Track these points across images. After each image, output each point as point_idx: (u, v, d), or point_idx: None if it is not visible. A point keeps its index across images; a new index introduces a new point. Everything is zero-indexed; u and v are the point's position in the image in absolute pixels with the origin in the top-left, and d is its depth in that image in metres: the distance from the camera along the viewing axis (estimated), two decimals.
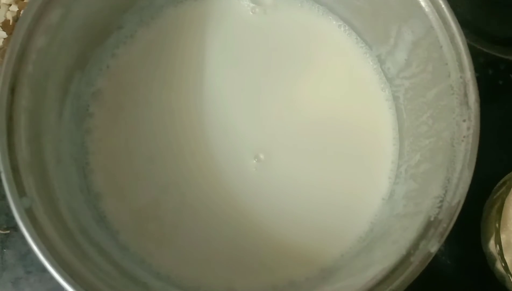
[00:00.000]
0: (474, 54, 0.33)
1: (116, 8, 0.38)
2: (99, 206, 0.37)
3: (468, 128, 0.31)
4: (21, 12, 0.52)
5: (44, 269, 0.47)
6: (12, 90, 0.29)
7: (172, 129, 0.40)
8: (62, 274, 0.28)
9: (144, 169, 0.39)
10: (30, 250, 0.48)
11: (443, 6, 0.33)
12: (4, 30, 0.52)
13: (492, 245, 0.40)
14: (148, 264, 0.36)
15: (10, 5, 0.54)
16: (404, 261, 0.30)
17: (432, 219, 0.30)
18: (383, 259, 0.31)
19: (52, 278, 0.47)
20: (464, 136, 0.31)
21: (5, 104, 0.29)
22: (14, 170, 0.29)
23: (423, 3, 0.33)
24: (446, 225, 0.30)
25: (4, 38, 0.52)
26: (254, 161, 0.39)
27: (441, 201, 0.30)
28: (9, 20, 0.53)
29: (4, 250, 0.48)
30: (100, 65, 0.39)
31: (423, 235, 0.30)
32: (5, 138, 0.29)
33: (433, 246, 0.29)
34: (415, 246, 0.30)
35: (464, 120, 0.31)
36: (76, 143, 0.37)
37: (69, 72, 0.35)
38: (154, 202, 0.38)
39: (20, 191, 0.28)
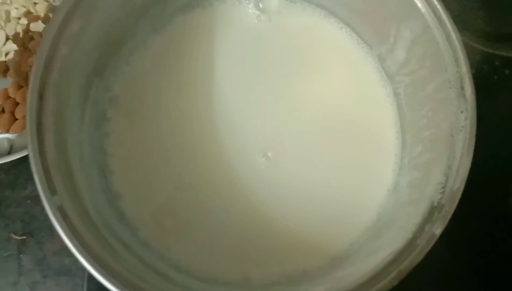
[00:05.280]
0: (469, 51, 0.35)
1: (131, 16, 0.40)
2: (119, 205, 0.39)
3: (466, 119, 0.33)
4: (30, 25, 0.54)
5: (61, 273, 0.49)
6: (41, 96, 0.31)
7: (184, 132, 0.41)
8: (94, 266, 0.29)
9: (159, 170, 0.40)
10: (46, 255, 0.50)
11: (438, 6, 0.35)
12: (14, 43, 0.54)
13: None
14: (168, 258, 0.38)
15: (19, 18, 0.55)
16: (411, 243, 0.32)
17: (435, 204, 0.32)
18: (390, 244, 0.33)
19: (68, 281, 0.49)
20: (462, 126, 0.33)
21: (35, 110, 0.31)
22: (45, 170, 0.30)
23: (419, 4, 0.35)
24: (449, 208, 0.32)
25: (15, 50, 0.54)
26: (263, 159, 0.41)
27: (443, 187, 0.33)
28: (19, 33, 0.55)
29: (21, 255, 0.50)
30: (116, 72, 0.41)
31: (427, 219, 0.32)
32: (36, 142, 0.31)
33: (438, 228, 0.31)
34: (420, 229, 0.32)
35: (461, 112, 0.33)
36: (96, 146, 0.39)
37: (89, 79, 0.37)
38: (170, 201, 0.39)
39: (52, 190, 0.30)
